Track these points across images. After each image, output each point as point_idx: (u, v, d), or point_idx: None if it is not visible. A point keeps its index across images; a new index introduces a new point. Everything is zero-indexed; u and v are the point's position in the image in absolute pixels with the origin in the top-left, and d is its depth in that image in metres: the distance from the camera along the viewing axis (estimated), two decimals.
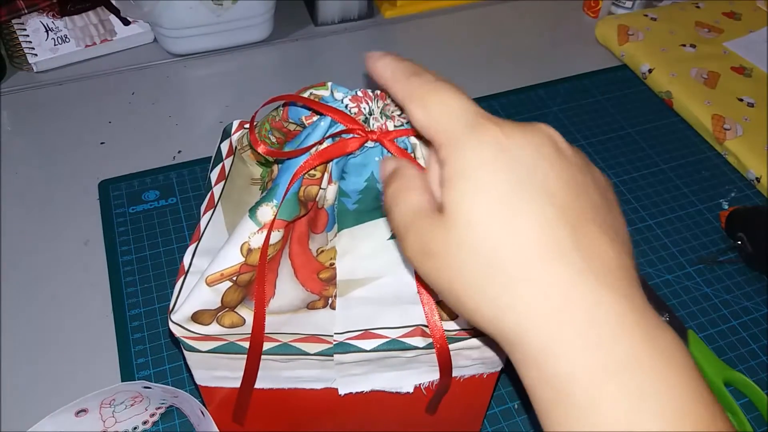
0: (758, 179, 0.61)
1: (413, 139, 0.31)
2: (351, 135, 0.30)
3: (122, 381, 0.45)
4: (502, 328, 0.22)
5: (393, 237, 0.33)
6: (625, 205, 0.60)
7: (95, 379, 0.45)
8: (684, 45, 0.75)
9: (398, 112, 0.31)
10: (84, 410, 0.39)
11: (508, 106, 0.69)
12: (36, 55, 0.69)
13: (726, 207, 0.60)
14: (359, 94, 0.31)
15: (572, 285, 0.21)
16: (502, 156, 0.22)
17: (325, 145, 0.30)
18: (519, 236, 0.21)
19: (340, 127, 0.30)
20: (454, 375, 0.34)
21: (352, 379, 0.34)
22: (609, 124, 0.68)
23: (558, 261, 0.21)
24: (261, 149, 0.32)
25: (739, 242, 0.54)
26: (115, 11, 0.72)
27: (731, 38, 0.76)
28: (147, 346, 0.47)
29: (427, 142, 0.26)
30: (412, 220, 0.24)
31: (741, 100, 0.68)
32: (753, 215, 0.54)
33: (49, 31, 0.69)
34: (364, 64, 0.28)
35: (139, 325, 0.48)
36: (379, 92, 0.31)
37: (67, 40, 0.70)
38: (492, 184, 0.22)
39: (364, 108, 0.31)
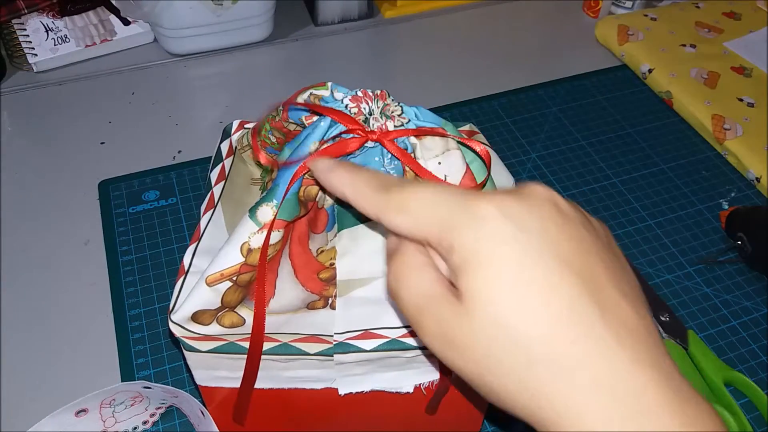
0: (758, 179, 0.61)
1: (413, 139, 0.31)
2: (351, 135, 0.30)
3: (122, 381, 0.45)
4: (539, 417, 0.21)
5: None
6: (625, 205, 0.60)
7: (95, 379, 0.45)
8: (684, 45, 0.75)
9: (398, 112, 0.31)
10: (84, 410, 0.39)
11: (508, 106, 0.69)
12: (36, 55, 0.69)
13: (726, 207, 0.60)
14: (359, 94, 0.31)
15: (610, 370, 0.20)
16: (508, 230, 0.21)
17: (325, 145, 0.30)
18: (550, 322, 0.20)
19: (341, 128, 0.30)
20: (454, 375, 0.34)
21: (352, 379, 0.34)
22: (609, 124, 0.68)
23: (590, 341, 0.20)
24: (262, 159, 0.32)
25: (739, 242, 0.54)
26: (115, 11, 0.72)
27: (731, 38, 0.76)
28: (147, 346, 0.47)
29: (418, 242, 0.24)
30: (426, 304, 0.23)
31: (741, 100, 0.68)
32: (753, 215, 0.54)
33: (49, 31, 0.69)
34: (314, 171, 0.26)
35: (139, 325, 0.48)
36: (379, 92, 0.31)
37: (67, 40, 0.70)
38: (508, 264, 0.21)
39: (364, 108, 0.31)
